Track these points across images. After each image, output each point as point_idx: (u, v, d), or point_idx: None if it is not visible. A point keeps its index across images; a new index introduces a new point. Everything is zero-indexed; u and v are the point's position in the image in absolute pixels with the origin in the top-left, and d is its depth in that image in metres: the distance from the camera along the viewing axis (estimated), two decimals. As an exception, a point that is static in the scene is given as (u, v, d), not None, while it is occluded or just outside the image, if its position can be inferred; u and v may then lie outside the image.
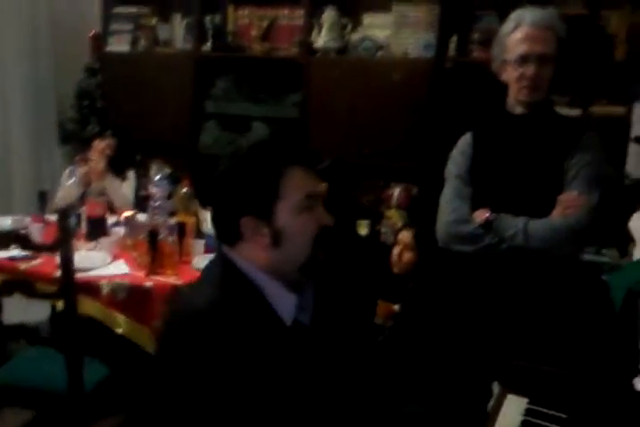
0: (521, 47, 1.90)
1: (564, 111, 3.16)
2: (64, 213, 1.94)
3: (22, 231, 2.76)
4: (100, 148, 3.35)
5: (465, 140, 2.10)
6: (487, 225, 1.95)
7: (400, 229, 2.54)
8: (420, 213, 3.50)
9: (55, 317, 3.01)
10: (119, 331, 2.33)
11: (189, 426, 1.13)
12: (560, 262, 1.93)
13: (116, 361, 2.42)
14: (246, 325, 1.15)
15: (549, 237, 1.88)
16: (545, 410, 1.57)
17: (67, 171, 3.46)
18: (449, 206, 2.05)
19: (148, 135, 4.09)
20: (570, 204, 1.88)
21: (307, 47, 3.62)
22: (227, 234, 1.25)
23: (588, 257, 2.89)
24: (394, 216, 3.59)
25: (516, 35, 1.92)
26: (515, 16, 1.96)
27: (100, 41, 4.22)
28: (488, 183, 2.01)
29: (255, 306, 1.19)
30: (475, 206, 2.01)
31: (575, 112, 3.23)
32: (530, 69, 1.89)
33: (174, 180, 4.19)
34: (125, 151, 3.55)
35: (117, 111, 4.22)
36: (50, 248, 2.03)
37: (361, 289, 2.64)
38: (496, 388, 2.04)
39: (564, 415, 1.53)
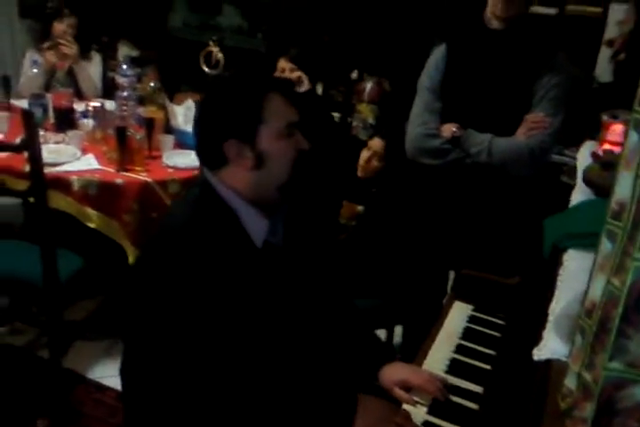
0: None
1: (540, 10, 3.11)
2: (29, 115, 1.89)
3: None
4: (61, 30, 3.16)
5: (439, 53, 2.08)
6: (454, 140, 2.00)
7: (373, 135, 2.53)
8: (391, 108, 3.51)
9: (28, 211, 3.03)
10: (91, 225, 2.38)
11: (161, 339, 1.20)
12: (519, 180, 2.01)
13: (91, 253, 2.48)
14: (218, 243, 1.22)
15: (511, 157, 1.95)
16: (487, 317, 1.73)
17: (28, 55, 3.29)
18: (418, 120, 2.08)
19: (112, 15, 3.90)
20: (534, 125, 1.93)
21: None
22: (210, 158, 1.29)
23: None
24: (365, 111, 3.60)
25: None
26: None
27: None
28: (458, 98, 2.03)
29: (227, 227, 1.26)
30: (444, 120, 2.04)
31: (551, 11, 3.17)
32: None
33: (142, 62, 4.06)
34: (88, 31, 3.37)
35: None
36: (17, 148, 2.01)
37: (329, 187, 2.70)
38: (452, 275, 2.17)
39: (503, 323, 1.70)
